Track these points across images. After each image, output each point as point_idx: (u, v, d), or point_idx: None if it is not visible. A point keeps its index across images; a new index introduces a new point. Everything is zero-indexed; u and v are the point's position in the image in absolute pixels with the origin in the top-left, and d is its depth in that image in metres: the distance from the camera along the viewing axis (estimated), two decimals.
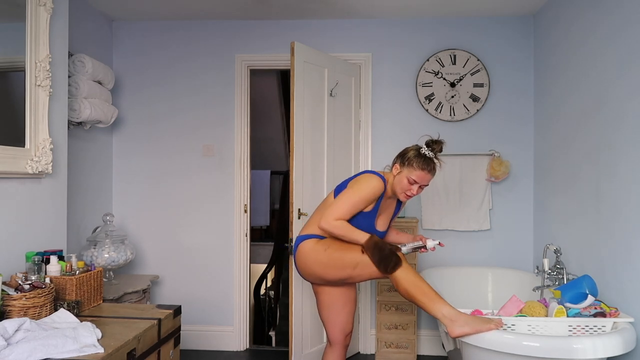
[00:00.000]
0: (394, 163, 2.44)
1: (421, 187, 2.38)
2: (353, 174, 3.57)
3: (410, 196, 2.38)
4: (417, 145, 2.43)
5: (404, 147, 2.49)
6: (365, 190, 2.32)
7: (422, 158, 2.33)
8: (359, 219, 2.38)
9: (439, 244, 2.45)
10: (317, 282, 2.47)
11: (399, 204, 2.57)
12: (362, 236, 2.28)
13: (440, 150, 2.38)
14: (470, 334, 2.11)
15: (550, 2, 3.34)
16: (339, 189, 2.44)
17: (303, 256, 2.39)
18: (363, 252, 2.26)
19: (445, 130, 3.65)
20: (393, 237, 2.68)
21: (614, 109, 2.50)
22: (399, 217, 3.50)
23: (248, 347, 3.83)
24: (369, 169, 3.70)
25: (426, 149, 2.35)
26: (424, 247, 2.47)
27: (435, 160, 2.37)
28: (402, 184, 2.35)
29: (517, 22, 3.67)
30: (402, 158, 2.39)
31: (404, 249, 2.49)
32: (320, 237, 2.40)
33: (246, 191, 3.80)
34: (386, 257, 2.22)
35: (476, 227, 3.62)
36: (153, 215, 3.82)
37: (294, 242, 2.51)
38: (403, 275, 2.24)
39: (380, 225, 2.48)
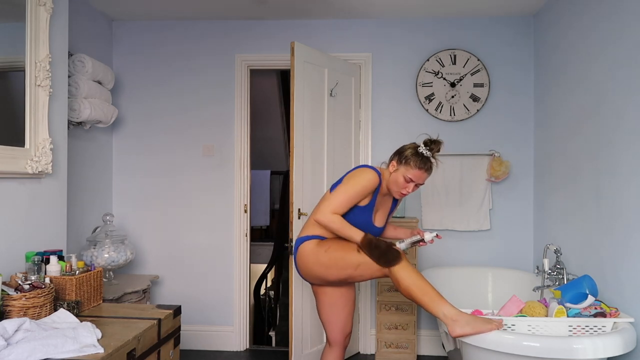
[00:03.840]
0: (390, 160, 2.43)
1: (417, 186, 2.38)
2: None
3: (404, 194, 2.38)
4: (414, 143, 2.41)
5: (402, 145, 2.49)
6: (360, 183, 2.32)
7: (419, 157, 2.32)
8: (356, 214, 2.37)
9: (437, 235, 2.45)
10: (318, 283, 2.47)
11: (395, 200, 2.57)
12: (357, 234, 2.28)
13: (439, 151, 2.37)
14: (471, 334, 2.11)
15: (550, 3, 3.34)
16: (335, 186, 2.44)
17: (304, 258, 2.39)
18: (359, 251, 2.26)
19: (445, 130, 3.65)
20: (391, 232, 2.68)
21: (614, 109, 2.50)
22: (399, 217, 3.50)
23: (248, 347, 3.83)
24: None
25: (424, 148, 2.34)
26: (423, 240, 2.47)
27: (433, 160, 2.36)
28: (398, 181, 2.35)
29: (518, 22, 3.66)
30: (400, 156, 2.38)
31: (402, 245, 2.48)
32: (321, 238, 2.39)
33: (246, 191, 3.80)
34: (384, 252, 2.23)
35: (476, 227, 3.62)
36: (153, 215, 3.82)
37: (293, 243, 2.50)
38: (404, 274, 2.23)
39: (378, 221, 2.48)
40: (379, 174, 2.36)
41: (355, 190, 2.32)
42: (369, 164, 2.45)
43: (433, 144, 2.35)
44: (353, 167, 3.63)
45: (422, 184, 2.39)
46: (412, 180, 2.33)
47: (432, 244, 2.61)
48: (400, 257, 2.22)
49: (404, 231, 2.66)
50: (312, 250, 2.36)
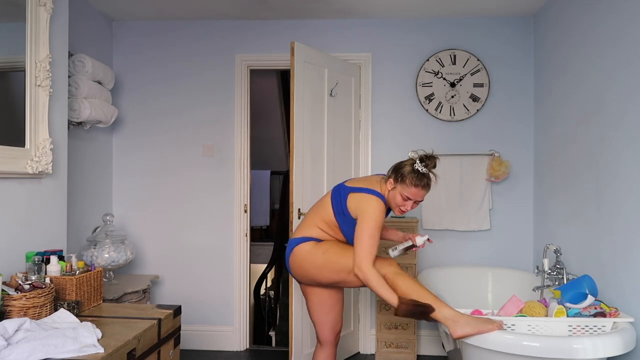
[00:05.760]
0: (388, 177, 2.37)
1: (416, 203, 2.34)
2: (352, 176, 3.59)
3: (404, 212, 2.35)
4: (411, 159, 2.35)
5: (399, 160, 2.43)
6: (377, 220, 2.26)
7: (415, 174, 2.27)
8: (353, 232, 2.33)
9: (428, 240, 2.44)
10: (309, 284, 2.48)
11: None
12: (393, 298, 2.19)
13: (435, 166, 2.31)
14: (473, 334, 2.11)
15: (550, 3, 3.34)
16: (336, 195, 2.42)
17: (299, 259, 2.39)
18: (396, 314, 2.22)
19: (445, 130, 3.65)
20: (384, 234, 2.68)
21: (614, 109, 2.50)
22: (399, 217, 3.50)
23: (248, 347, 3.83)
24: (369, 169, 3.70)
25: (420, 164, 2.29)
26: (415, 245, 2.46)
27: (430, 175, 2.31)
28: (396, 199, 2.31)
29: (517, 22, 3.66)
30: (397, 173, 2.32)
31: (395, 252, 2.50)
32: (317, 240, 2.41)
33: (246, 191, 3.80)
34: (420, 313, 2.18)
35: (476, 227, 3.62)
36: (153, 215, 3.82)
37: (287, 245, 2.50)
38: (400, 281, 2.25)
39: None
40: (383, 199, 2.32)
41: (377, 227, 2.26)
42: (369, 188, 2.36)
43: (428, 160, 2.30)
44: (353, 168, 3.64)
45: (421, 201, 2.34)
46: (409, 198, 2.30)
47: (424, 248, 2.60)
48: (431, 307, 2.17)
49: (396, 233, 2.65)
50: (309, 252, 2.37)
